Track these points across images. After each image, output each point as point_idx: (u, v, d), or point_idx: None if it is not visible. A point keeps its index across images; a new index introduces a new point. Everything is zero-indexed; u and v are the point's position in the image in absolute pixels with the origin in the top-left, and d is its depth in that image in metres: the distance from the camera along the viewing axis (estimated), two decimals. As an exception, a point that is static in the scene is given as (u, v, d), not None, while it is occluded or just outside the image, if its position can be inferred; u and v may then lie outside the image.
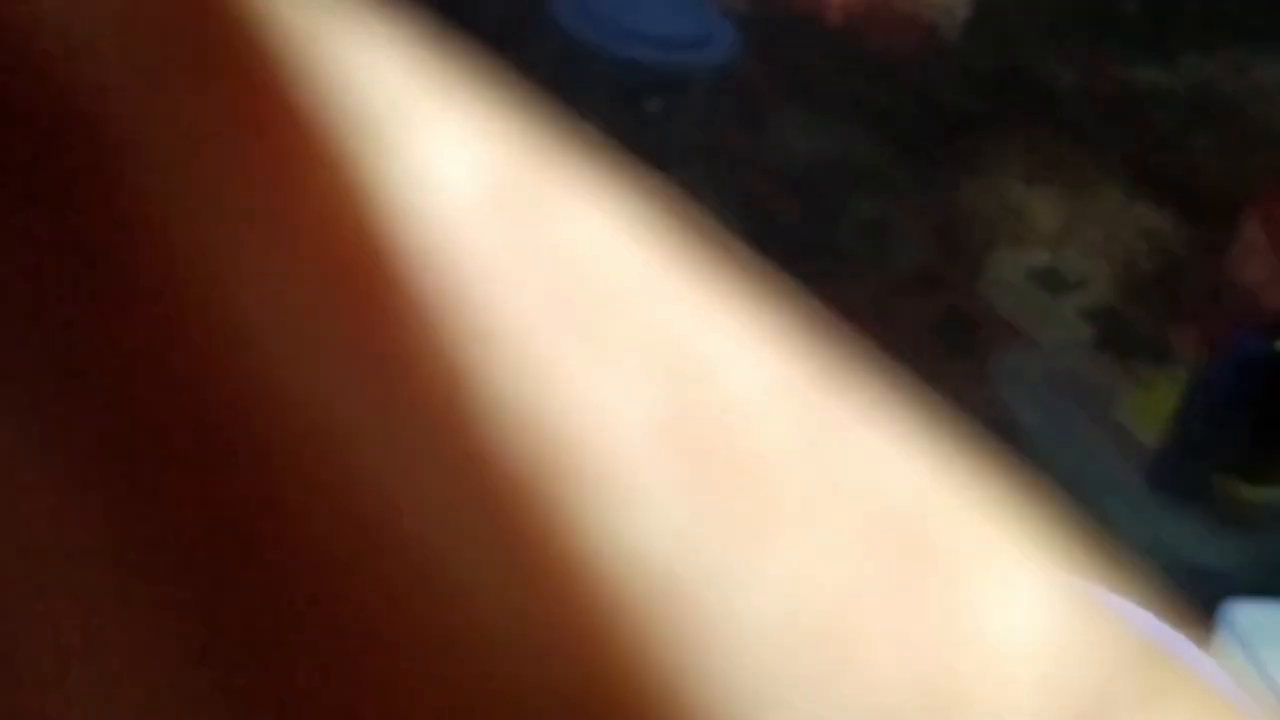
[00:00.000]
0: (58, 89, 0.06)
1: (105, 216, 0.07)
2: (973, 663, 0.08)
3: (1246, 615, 0.83)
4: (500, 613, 0.07)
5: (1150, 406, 0.93)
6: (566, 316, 0.07)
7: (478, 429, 0.07)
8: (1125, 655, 0.08)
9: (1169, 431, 0.90)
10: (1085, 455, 0.92)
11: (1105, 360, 0.99)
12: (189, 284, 0.07)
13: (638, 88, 0.96)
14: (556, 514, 0.07)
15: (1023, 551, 0.08)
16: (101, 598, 0.07)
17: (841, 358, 0.08)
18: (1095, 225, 1.01)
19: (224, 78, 0.07)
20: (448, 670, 0.07)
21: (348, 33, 0.07)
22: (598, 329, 0.07)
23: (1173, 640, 0.25)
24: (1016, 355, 0.98)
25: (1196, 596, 0.91)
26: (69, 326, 0.07)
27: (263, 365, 0.07)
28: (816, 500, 0.08)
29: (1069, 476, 0.88)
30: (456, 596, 0.07)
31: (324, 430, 0.07)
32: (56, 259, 0.07)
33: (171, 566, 0.07)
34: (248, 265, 0.07)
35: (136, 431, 0.07)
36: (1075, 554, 0.09)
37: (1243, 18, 1.04)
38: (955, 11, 1.02)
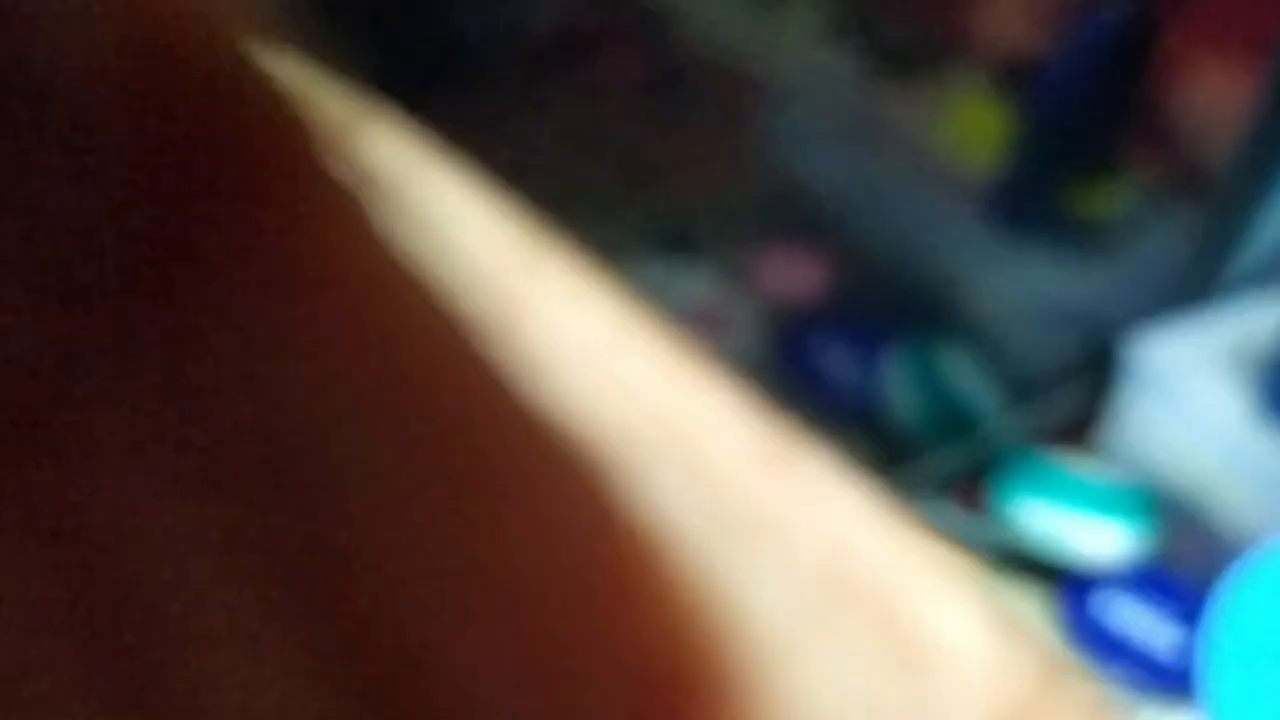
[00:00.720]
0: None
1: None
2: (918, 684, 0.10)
3: (1149, 348, 0.73)
4: None
5: (963, 129, 0.78)
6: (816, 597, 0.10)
7: None
8: (1040, 669, 0.11)
9: (1001, 154, 0.75)
10: (905, 205, 0.76)
11: (889, 84, 0.81)
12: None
13: None
14: None
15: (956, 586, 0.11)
16: None
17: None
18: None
19: (459, 485, 0.07)
20: None
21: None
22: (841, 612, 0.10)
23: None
24: (775, 108, 0.78)
25: (1078, 339, 0.82)
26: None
27: None
28: None
29: (894, 234, 0.76)
30: None
31: None
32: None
33: None
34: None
35: None
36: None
37: None
38: None
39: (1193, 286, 0.82)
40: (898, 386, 0.75)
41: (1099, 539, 0.70)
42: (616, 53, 0.63)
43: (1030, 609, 0.74)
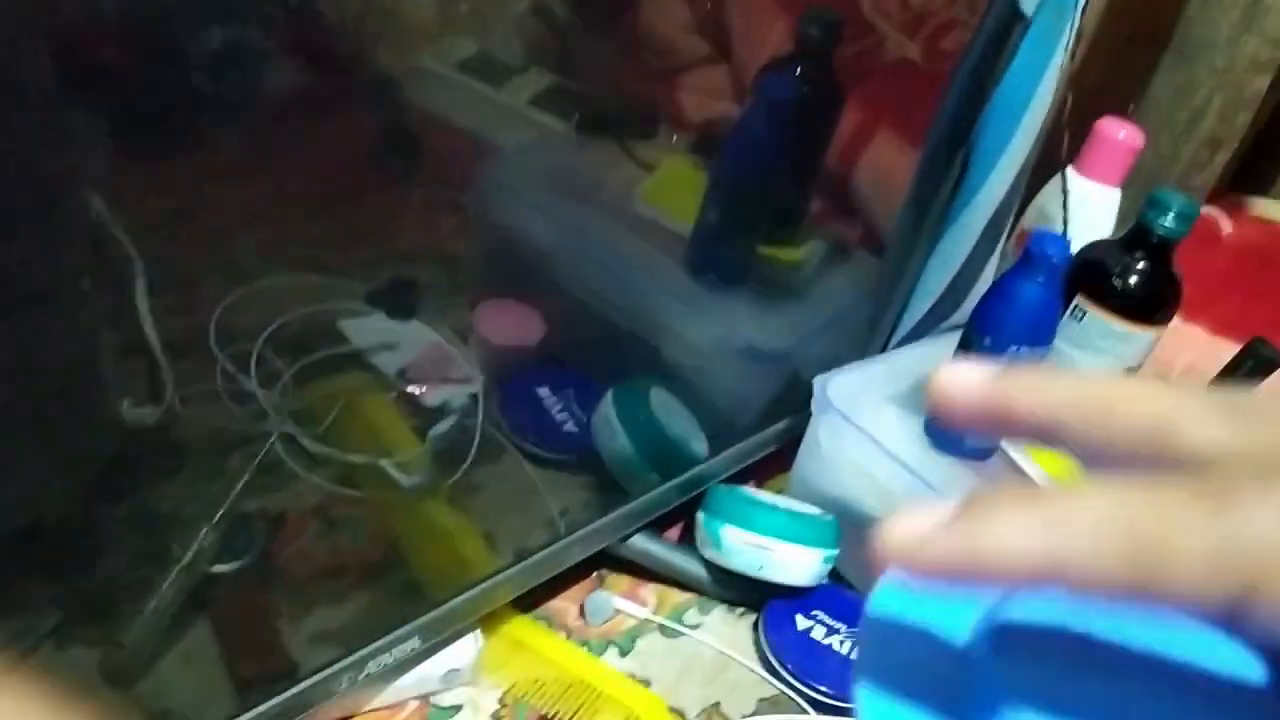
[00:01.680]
0: None
1: None
2: None
3: (834, 385, 0.80)
4: None
5: (665, 189, 0.82)
6: None
7: None
8: None
9: (701, 210, 0.80)
10: (614, 258, 0.80)
11: (598, 148, 0.85)
12: None
13: None
14: None
15: None
16: None
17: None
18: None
19: None
20: None
21: None
22: None
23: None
24: (494, 164, 0.81)
25: (774, 376, 0.89)
26: None
27: None
28: None
29: (605, 287, 0.79)
30: None
31: None
32: None
33: None
34: None
35: None
36: None
37: None
38: None
39: (873, 331, 0.91)
40: (613, 428, 0.78)
41: (794, 563, 0.75)
42: (344, 115, 0.64)
43: (740, 630, 0.79)
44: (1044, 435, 0.22)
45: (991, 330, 0.70)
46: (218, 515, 0.62)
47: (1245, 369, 0.84)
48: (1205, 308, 1.07)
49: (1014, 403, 0.22)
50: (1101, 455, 0.21)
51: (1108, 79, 1.17)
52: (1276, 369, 0.83)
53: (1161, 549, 0.18)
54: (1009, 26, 0.71)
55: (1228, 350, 0.89)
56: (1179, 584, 0.18)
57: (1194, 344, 1.03)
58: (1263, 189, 1.39)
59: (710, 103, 0.83)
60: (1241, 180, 1.37)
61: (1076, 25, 0.71)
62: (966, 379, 0.23)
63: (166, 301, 0.54)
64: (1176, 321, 1.06)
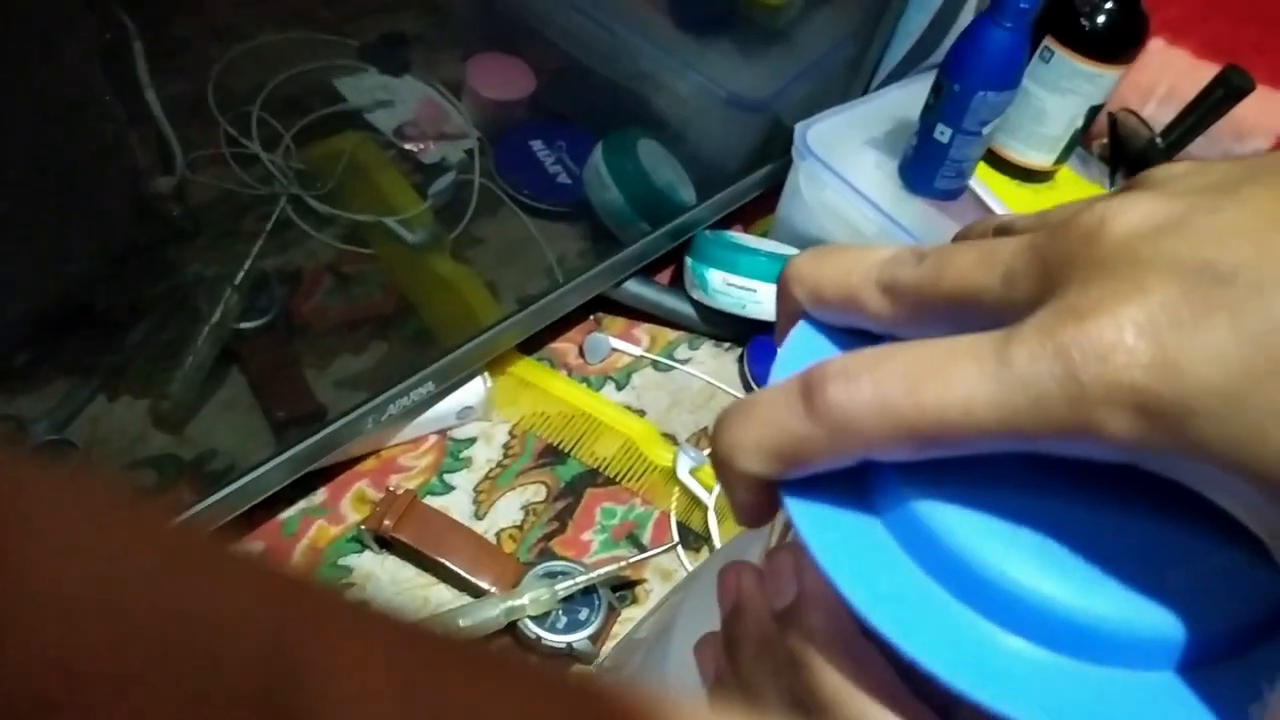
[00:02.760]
0: None
1: None
2: None
3: (814, 132, 0.82)
4: None
5: None
6: None
7: None
8: None
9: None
10: (602, 9, 0.80)
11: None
12: None
13: None
14: None
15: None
16: None
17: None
18: None
19: None
20: None
21: None
22: None
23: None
24: None
25: (757, 123, 0.91)
26: None
27: None
28: None
29: (592, 38, 0.80)
30: None
31: None
32: None
33: None
34: None
35: None
36: None
37: None
38: None
39: (855, 73, 0.92)
40: (603, 179, 0.81)
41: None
42: None
43: (725, 362, 0.85)
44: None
45: (961, 76, 0.72)
46: (239, 275, 0.67)
47: (1216, 96, 0.86)
48: (1191, 31, 1.07)
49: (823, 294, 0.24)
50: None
51: None
52: (1247, 95, 0.85)
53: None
54: None
55: (1209, 74, 0.90)
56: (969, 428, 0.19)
57: (1176, 68, 1.03)
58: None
59: None
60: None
61: None
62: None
63: (165, 70, 0.56)
64: (1160, 44, 1.07)
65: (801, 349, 0.24)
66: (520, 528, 0.72)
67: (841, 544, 0.21)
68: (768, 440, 0.21)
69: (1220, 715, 0.20)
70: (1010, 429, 0.19)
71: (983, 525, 0.21)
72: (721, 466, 0.23)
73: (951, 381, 0.19)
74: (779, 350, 0.25)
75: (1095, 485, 0.21)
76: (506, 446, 0.77)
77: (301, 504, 0.71)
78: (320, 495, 0.72)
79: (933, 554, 0.21)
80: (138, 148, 0.60)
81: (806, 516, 0.22)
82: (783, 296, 0.25)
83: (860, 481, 0.22)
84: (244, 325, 0.68)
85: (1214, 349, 0.17)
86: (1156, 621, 0.20)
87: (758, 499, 0.23)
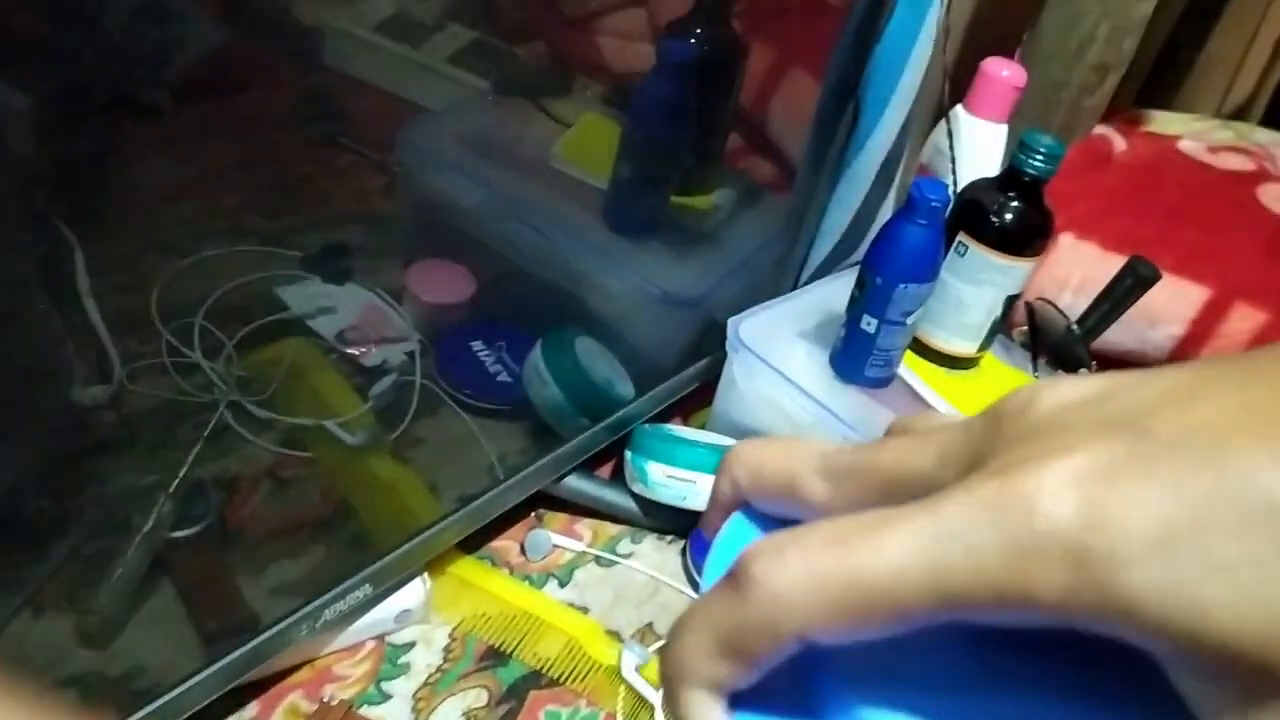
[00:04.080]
0: None
1: None
2: None
3: (746, 326, 0.85)
4: None
5: (581, 145, 0.86)
6: None
7: None
8: None
9: (615, 165, 0.84)
10: (537, 215, 0.84)
11: (514, 107, 0.88)
12: None
13: None
14: None
15: None
16: None
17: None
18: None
19: None
20: None
21: None
22: None
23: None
24: (415, 124, 0.84)
25: (691, 319, 0.93)
26: None
27: None
28: None
29: (528, 242, 0.83)
30: None
31: None
32: None
33: None
34: None
35: None
36: None
37: None
38: None
39: (782, 271, 0.96)
40: (542, 377, 0.82)
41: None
42: (266, 81, 0.65)
43: (669, 555, 0.85)
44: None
45: (882, 270, 0.75)
46: (174, 484, 0.66)
47: (1125, 285, 0.90)
48: (1098, 226, 1.13)
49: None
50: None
51: (1006, 10, 1.22)
52: (1154, 284, 0.90)
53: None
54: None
55: (1118, 265, 0.95)
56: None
57: (1086, 261, 1.09)
58: (1165, 103, 1.45)
59: (625, 53, 0.86)
60: (1147, 97, 1.43)
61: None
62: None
63: (106, 282, 0.57)
64: (1070, 239, 1.13)
65: (735, 543, 0.24)
66: (461, 736, 0.70)
67: None
68: (710, 640, 0.21)
69: None
70: (945, 592, 0.19)
71: None
72: (671, 690, 0.22)
73: (882, 545, 0.19)
74: (713, 544, 0.24)
75: (1034, 678, 0.21)
76: (447, 649, 0.75)
77: (231, 720, 0.68)
78: (251, 709, 0.69)
79: None
80: (75, 358, 0.60)
81: None
82: (721, 480, 0.25)
83: (806, 696, 0.22)
84: (177, 534, 0.66)
85: (1141, 501, 0.17)
86: None
87: (710, 716, 0.22)
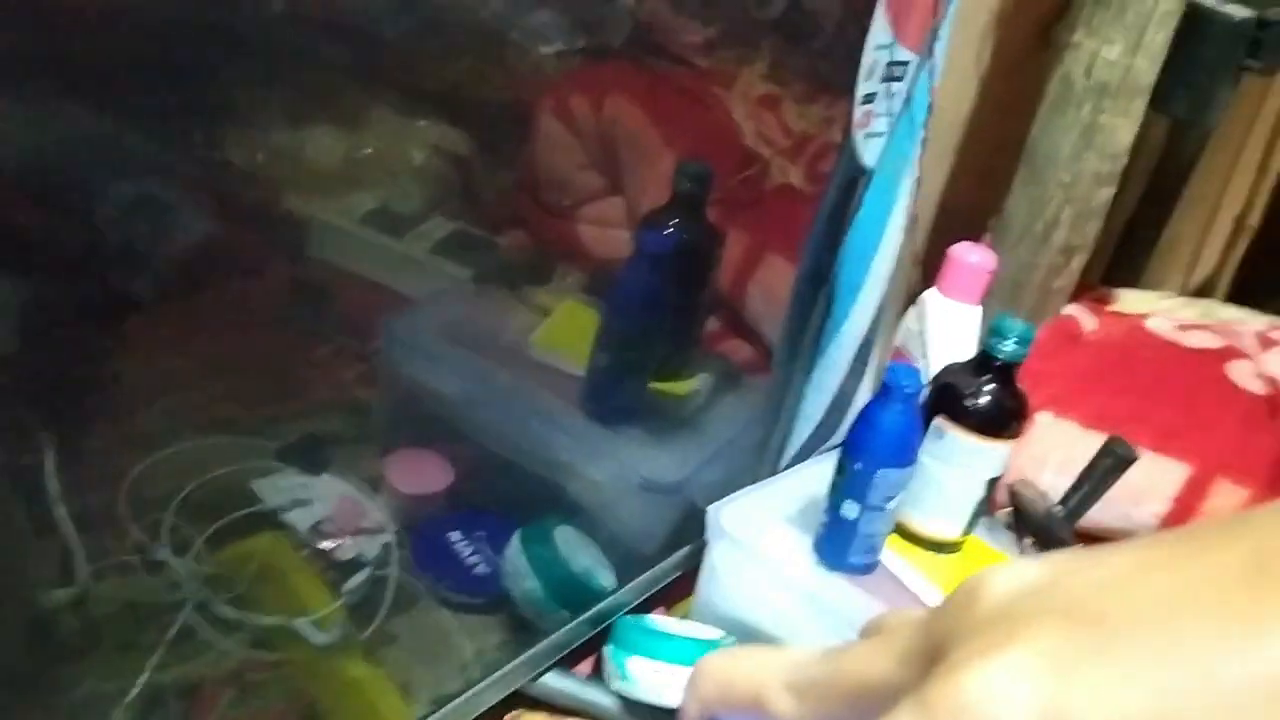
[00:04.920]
0: None
1: None
2: None
3: (727, 512, 0.84)
4: None
5: (560, 333, 0.87)
6: None
7: None
8: None
9: (593, 353, 0.85)
10: (516, 405, 0.84)
11: (494, 296, 0.89)
12: None
13: None
14: None
15: None
16: None
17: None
18: (387, 149, 0.89)
19: None
20: None
21: None
22: None
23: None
24: (397, 314, 0.85)
25: (672, 506, 0.92)
26: None
27: None
28: None
29: (507, 431, 0.83)
30: None
31: None
32: None
33: None
34: None
35: None
36: None
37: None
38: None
39: (762, 456, 0.96)
40: (521, 569, 0.81)
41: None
42: (250, 273, 0.66)
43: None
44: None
45: (860, 455, 0.75)
46: (131, 693, 0.63)
47: (1105, 466, 0.90)
48: (1075, 404, 1.14)
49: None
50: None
51: (973, 197, 1.26)
52: (1133, 464, 0.90)
53: None
54: (854, 179, 0.78)
55: (1098, 442, 0.95)
56: None
57: (1066, 439, 1.09)
58: (1133, 281, 1.49)
59: (604, 241, 0.89)
60: (1113, 275, 1.47)
61: (917, 173, 0.78)
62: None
63: (74, 478, 0.56)
64: (1049, 417, 1.14)
65: None
66: None
67: None
68: None
69: None
70: None
71: None
72: None
73: None
74: None
75: None
76: None
77: None
78: None
79: None
80: (37, 560, 0.59)
81: None
82: (688, 700, 0.25)
83: None
84: (134, 746, 0.63)
85: (1101, 692, 0.17)
86: None
87: None
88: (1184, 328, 1.30)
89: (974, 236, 1.02)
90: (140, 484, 0.61)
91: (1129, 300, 1.39)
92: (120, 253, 0.55)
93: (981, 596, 0.20)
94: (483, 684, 0.76)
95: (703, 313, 0.92)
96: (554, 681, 0.82)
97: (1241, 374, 1.22)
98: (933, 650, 0.20)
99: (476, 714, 0.77)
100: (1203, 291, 1.63)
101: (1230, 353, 1.24)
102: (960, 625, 0.20)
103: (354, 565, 0.75)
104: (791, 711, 0.23)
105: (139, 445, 0.61)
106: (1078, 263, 1.24)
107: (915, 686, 0.19)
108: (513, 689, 0.79)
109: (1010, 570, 0.20)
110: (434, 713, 0.74)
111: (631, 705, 0.82)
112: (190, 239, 0.60)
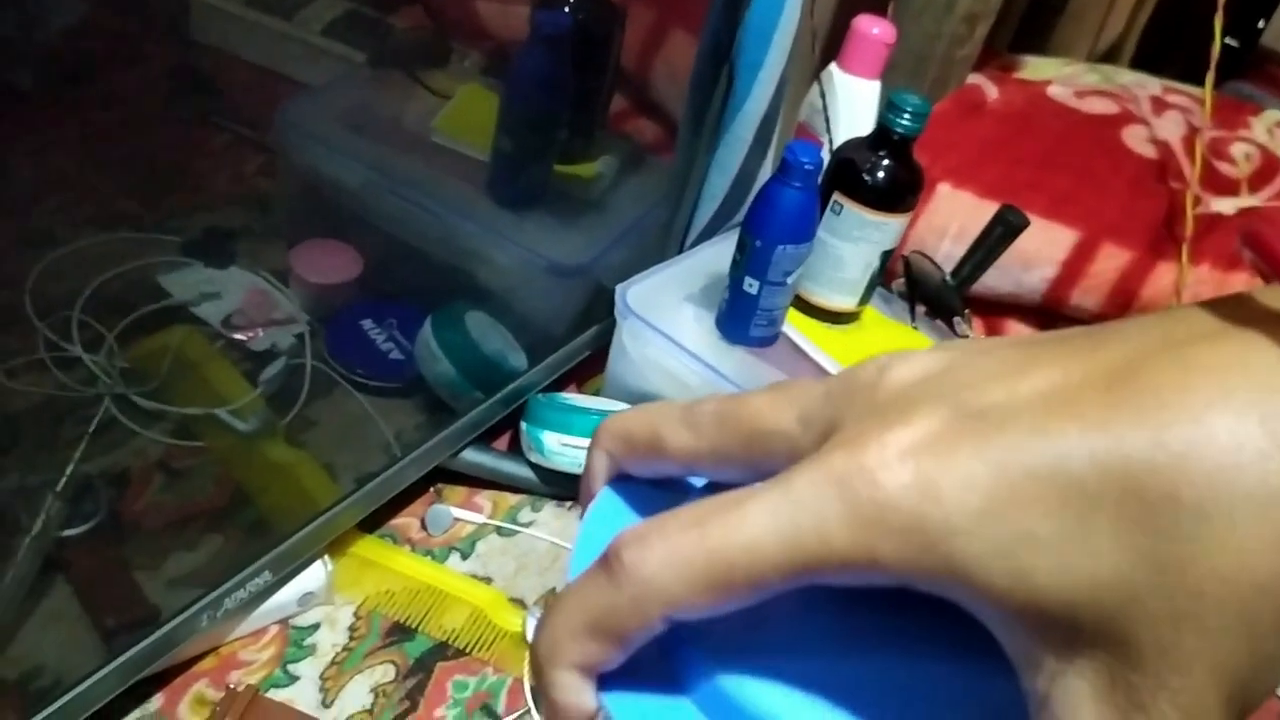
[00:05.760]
0: None
1: None
2: None
3: (634, 292, 0.87)
4: None
5: (461, 118, 0.86)
6: None
7: None
8: None
9: (496, 138, 0.84)
10: (420, 191, 0.84)
11: (392, 80, 0.88)
12: None
13: None
14: None
15: None
16: None
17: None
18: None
19: None
20: None
21: None
22: None
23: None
24: (291, 101, 0.83)
25: (580, 288, 0.95)
26: None
27: None
28: None
29: (413, 218, 0.83)
30: None
31: None
32: None
33: None
34: None
35: None
36: None
37: None
38: None
39: (667, 236, 0.98)
40: (434, 353, 0.83)
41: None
42: (133, 59, 0.64)
43: (568, 521, 0.87)
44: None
45: (760, 232, 0.78)
46: (61, 482, 0.66)
47: (996, 234, 0.94)
48: (973, 174, 1.18)
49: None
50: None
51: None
52: (1023, 231, 0.94)
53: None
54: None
55: (993, 212, 0.99)
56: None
57: (963, 209, 1.13)
58: (1040, 48, 1.50)
59: (502, 19, 0.87)
60: (1021, 43, 1.48)
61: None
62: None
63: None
64: (947, 189, 1.17)
65: (603, 519, 0.26)
66: (370, 712, 0.72)
67: None
68: (581, 622, 0.22)
69: None
70: (796, 562, 0.20)
71: (781, 695, 0.22)
72: (542, 672, 0.23)
73: (737, 523, 0.21)
74: (581, 521, 0.26)
75: (886, 636, 0.23)
76: (352, 629, 0.76)
77: (136, 713, 0.69)
78: (156, 701, 0.70)
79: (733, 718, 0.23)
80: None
81: (621, 706, 0.23)
82: (593, 456, 0.27)
83: (671, 670, 0.23)
84: (68, 532, 0.67)
85: (967, 475, 0.19)
86: None
87: (581, 698, 0.23)
88: (1083, 94, 1.33)
89: (879, 10, 1.03)
90: (44, 283, 0.62)
91: (1033, 68, 1.41)
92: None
93: (883, 380, 0.22)
94: (404, 460, 0.80)
95: (606, 93, 0.92)
96: (473, 456, 0.87)
97: (1136, 139, 1.26)
98: (832, 420, 0.22)
99: (399, 490, 0.82)
100: (1109, 57, 1.65)
101: (1126, 118, 1.28)
102: (860, 403, 0.22)
103: (269, 356, 0.77)
104: (687, 444, 0.24)
105: (37, 243, 0.61)
106: (981, 30, 1.24)
107: (815, 450, 0.21)
108: (433, 465, 0.84)
109: (912, 359, 0.22)
110: (357, 490, 0.78)
111: (547, 475, 0.88)
112: (65, 22, 0.58)
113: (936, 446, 0.20)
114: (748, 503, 0.21)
